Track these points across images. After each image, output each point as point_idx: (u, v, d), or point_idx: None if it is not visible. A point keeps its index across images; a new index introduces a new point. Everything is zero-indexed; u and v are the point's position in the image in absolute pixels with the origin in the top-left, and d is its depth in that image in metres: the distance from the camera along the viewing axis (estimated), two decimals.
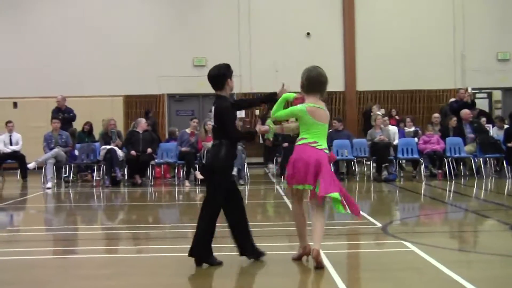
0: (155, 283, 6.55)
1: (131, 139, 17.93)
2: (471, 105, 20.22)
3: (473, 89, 23.98)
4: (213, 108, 7.38)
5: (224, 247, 7.78)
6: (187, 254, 7.22)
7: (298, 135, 7.36)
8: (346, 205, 7.06)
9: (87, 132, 20.21)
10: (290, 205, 12.71)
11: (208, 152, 7.44)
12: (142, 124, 18.22)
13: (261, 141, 21.10)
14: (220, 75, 7.36)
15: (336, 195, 6.94)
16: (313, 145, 7.13)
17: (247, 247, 7.39)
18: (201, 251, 7.17)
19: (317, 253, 6.87)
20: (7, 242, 9.74)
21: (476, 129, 18.85)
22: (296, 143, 7.27)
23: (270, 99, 7.63)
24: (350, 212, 7.12)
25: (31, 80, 24.14)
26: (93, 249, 8.90)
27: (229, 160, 7.32)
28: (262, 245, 7.67)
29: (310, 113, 7.15)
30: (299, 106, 7.21)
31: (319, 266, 6.88)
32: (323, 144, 7.17)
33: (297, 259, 7.39)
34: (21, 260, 8.01)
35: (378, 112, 20.75)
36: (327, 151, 7.20)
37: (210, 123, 7.64)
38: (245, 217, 7.46)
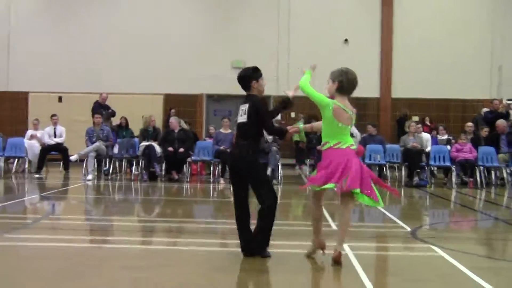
0: (189, 273, 6.60)
1: (167, 138, 18.13)
2: (506, 116, 20.00)
3: (508, 99, 23.72)
4: (246, 106, 7.41)
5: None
6: (218, 248, 7.25)
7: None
8: (373, 196, 7.02)
9: (124, 126, 20.50)
10: (322, 206, 12.73)
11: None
12: (174, 123, 18.36)
13: (294, 145, 21.12)
14: (245, 77, 7.51)
15: (356, 190, 6.91)
16: (337, 146, 7.09)
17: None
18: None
19: (338, 255, 6.96)
20: (49, 229, 9.88)
21: (510, 141, 18.64)
22: (322, 149, 7.27)
23: (285, 105, 7.73)
24: (376, 202, 7.06)
25: (76, 76, 24.52)
26: (129, 240, 9.00)
27: (257, 157, 7.51)
28: (292, 243, 7.66)
29: (333, 111, 7.07)
30: (328, 100, 7.16)
31: (337, 263, 6.98)
32: (347, 141, 7.12)
33: (312, 253, 7.45)
34: (61, 248, 8.12)
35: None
36: (353, 147, 7.16)
37: (243, 119, 7.40)
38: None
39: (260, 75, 7.53)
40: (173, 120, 18.72)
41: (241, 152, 7.40)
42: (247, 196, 7.47)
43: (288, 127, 7.76)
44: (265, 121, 7.42)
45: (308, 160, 19.81)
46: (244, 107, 7.44)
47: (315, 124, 8.05)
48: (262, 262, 7.16)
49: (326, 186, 6.96)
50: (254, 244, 7.33)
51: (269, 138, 17.82)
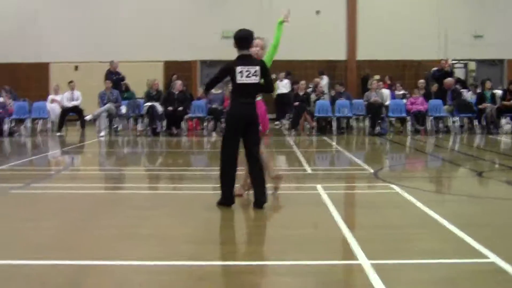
0: (187, 213, 6.66)
1: (168, 98, 18.04)
2: (451, 74, 20.03)
3: (452, 60, 23.75)
4: (257, 68, 6.73)
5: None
6: (211, 191, 7.26)
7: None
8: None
9: (125, 90, 20.43)
10: (299, 154, 12.80)
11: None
12: (177, 86, 18.26)
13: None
14: (249, 37, 6.89)
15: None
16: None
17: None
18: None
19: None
20: (70, 178, 9.91)
21: (454, 96, 18.72)
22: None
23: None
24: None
25: (89, 48, 24.30)
26: (137, 186, 9.04)
27: None
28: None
29: None
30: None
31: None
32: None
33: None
34: (80, 193, 8.16)
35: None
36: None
37: (255, 80, 6.73)
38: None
39: None
40: (177, 82, 18.64)
41: (254, 109, 6.85)
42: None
43: None
44: (271, 83, 7.14)
45: (288, 115, 19.71)
46: (253, 69, 6.70)
47: None
48: (249, 202, 7.13)
49: None
50: (261, 196, 6.76)
51: None
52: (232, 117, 6.90)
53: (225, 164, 6.86)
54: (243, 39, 6.85)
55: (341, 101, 18.63)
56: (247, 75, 6.72)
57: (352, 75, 24.75)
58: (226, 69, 6.88)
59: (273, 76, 7.32)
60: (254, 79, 6.74)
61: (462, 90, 19.76)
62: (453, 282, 4.31)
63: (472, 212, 6.88)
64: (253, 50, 7.07)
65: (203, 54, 24.58)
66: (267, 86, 7.07)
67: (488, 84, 18.72)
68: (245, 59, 6.80)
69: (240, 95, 6.80)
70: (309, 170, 10.28)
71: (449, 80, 19.04)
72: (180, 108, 17.70)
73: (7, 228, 6.04)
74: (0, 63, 24.58)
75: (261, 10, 24.58)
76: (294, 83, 20.12)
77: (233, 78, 6.76)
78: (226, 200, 6.85)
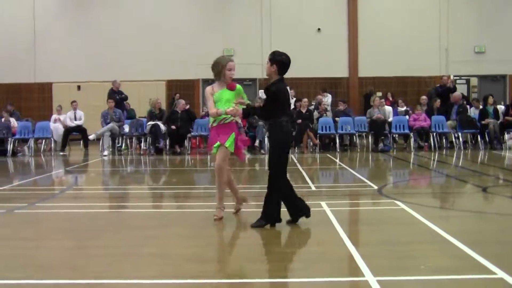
0: (191, 231, 6.63)
1: (171, 117, 18.07)
2: (453, 90, 20.07)
3: (454, 76, 23.81)
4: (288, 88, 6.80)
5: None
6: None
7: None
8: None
9: (127, 110, 20.51)
10: (303, 171, 12.77)
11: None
12: (180, 105, 18.30)
13: None
14: None
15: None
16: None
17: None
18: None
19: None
20: (73, 198, 9.89)
21: (460, 111, 18.72)
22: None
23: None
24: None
25: (91, 68, 24.41)
26: (141, 205, 9.01)
27: None
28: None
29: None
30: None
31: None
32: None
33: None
34: (84, 213, 8.14)
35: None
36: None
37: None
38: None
39: None
40: (180, 101, 18.70)
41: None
42: None
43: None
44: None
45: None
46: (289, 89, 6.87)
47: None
48: (255, 220, 7.09)
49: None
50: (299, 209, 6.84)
51: None
52: (288, 137, 6.79)
53: (286, 184, 6.80)
54: (288, 65, 6.76)
55: (344, 118, 18.65)
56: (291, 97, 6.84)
57: (354, 92, 24.80)
58: (282, 93, 6.75)
59: None
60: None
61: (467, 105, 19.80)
62: None
63: (478, 228, 6.83)
64: (228, 74, 7.12)
65: (205, 72, 24.57)
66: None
67: (490, 100, 18.75)
68: (283, 82, 6.80)
69: (285, 114, 6.78)
70: (313, 187, 10.25)
71: (456, 94, 19.12)
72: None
73: (10, 248, 6.01)
74: (3, 83, 24.79)
75: (262, 29, 24.72)
76: (296, 100, 20.16)
77: (287, 99, 6.83)
78: (275, 219, 6.76)
